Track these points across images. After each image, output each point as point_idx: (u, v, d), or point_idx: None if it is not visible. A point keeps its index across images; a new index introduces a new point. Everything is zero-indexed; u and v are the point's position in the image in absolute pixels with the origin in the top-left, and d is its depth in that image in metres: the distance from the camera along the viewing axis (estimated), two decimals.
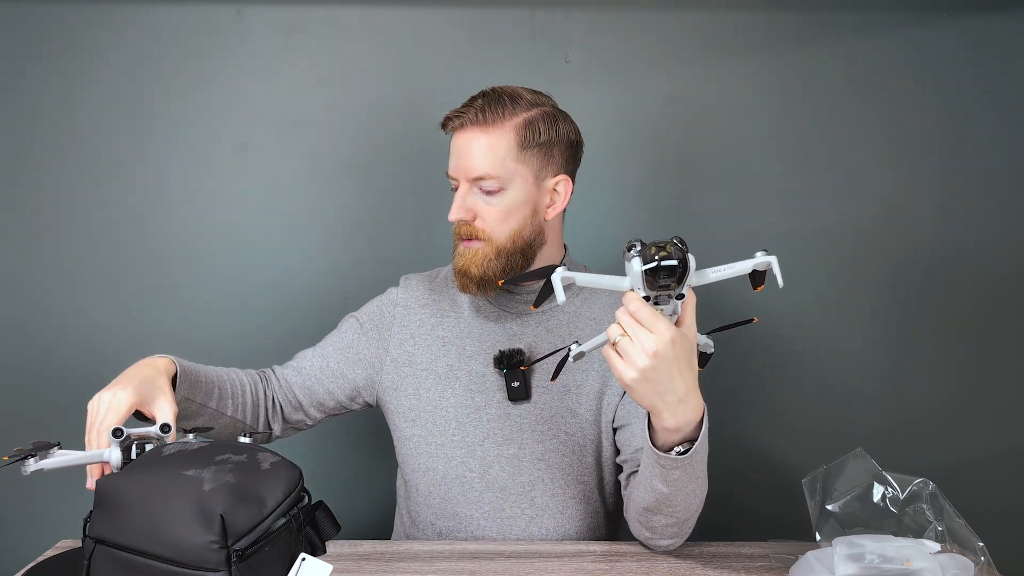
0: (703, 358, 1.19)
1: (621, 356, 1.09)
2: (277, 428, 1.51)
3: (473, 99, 1.41)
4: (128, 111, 1.91)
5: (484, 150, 1.37)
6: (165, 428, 1.14)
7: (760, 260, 1.08)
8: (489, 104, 1.38)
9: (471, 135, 1.38)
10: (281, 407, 1.51)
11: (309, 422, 1.53)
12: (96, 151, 1.92)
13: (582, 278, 1.09)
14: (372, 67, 1.93)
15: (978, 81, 1.92)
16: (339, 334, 1.53)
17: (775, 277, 1.08)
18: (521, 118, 1.39)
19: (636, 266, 1.04)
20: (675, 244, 1.03)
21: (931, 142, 1.93)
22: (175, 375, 1.31)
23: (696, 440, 1.17)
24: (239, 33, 1.91)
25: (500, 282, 1.37)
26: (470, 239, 1.40)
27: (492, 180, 1.37)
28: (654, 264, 1.02)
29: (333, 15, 1.91)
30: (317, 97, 1.93)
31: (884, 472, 1.25)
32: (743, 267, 1.09)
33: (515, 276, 1.33)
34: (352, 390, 1.51)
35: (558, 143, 1.41)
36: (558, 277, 1.08)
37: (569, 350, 1.17)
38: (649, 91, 1.92)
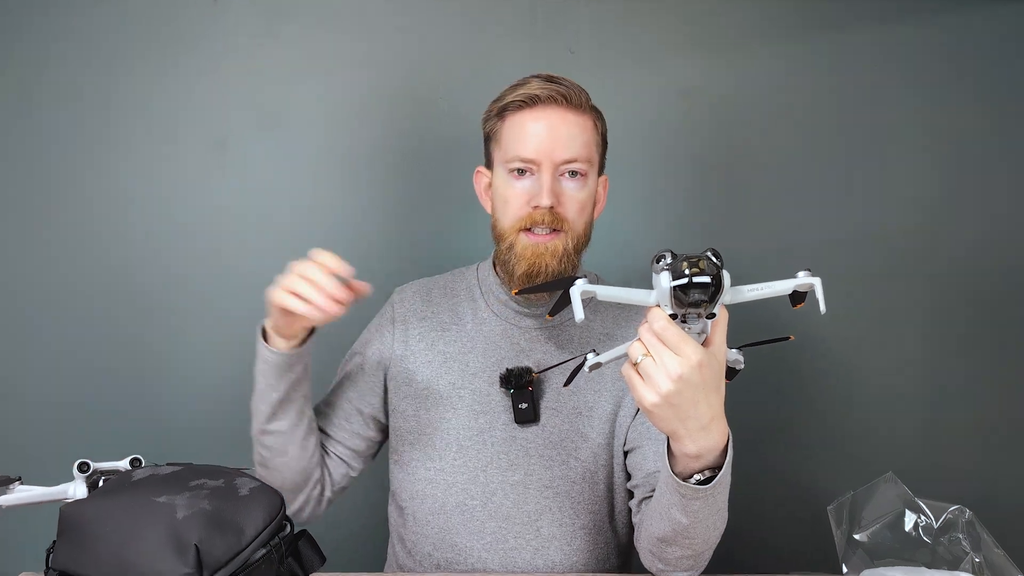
0: (731, 372, 1.17)
1: (642, 378, 1.07)
2: (329, 493, 1.51)
3: (550, 78, 1.42)
4: (90, 105, 1.90)
5: (578, 131, 1.41)
6: (135, 463, 1.15)
7: (802, 281, 1.07)
8: (570, 85, 1.42)
9: (561, 114, 1.41)
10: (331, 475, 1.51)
11: (354, 474, 1.54)
12: (53, 150, 1.90)
13: (604, 291, 1.06)
14: (363, 57, 1.92)
15: None
16: (353, 388, 1.52)
17: (817, 302, 1.07)
18: (591, 105, 1.45)
19: (664, 281, 1.02)
20: (708, 259, 1.01)
21: (977, 139, 1.92)
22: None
23: (719, 467, 1.15)
24: (217, 18, 1.90)
25: (515, 291, 1.34)
26: (553, 230, 1.40)
27: (583, 163, 1.41)
28: (685, 281, 1.00)
29: (321, 0, 1.91)
30: (302, 90, 1.92)
31: (917, 498, 1.26)
32: (783, 287, 1.07)
33: (530, 286, 1.31)
34: (382, 426, 1.54)
35: (605, 141, 1.48)
36: (577, 291, 1.05)
37: (585, 359, 1.15)
38: (662, 85, 1.92)
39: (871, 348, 1.96)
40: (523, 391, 1.43)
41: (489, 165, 1.50)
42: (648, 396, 1.06)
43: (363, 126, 1.93)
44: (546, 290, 1.19)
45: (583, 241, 1.45)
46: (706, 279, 1.00)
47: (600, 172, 1.48)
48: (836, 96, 1.92)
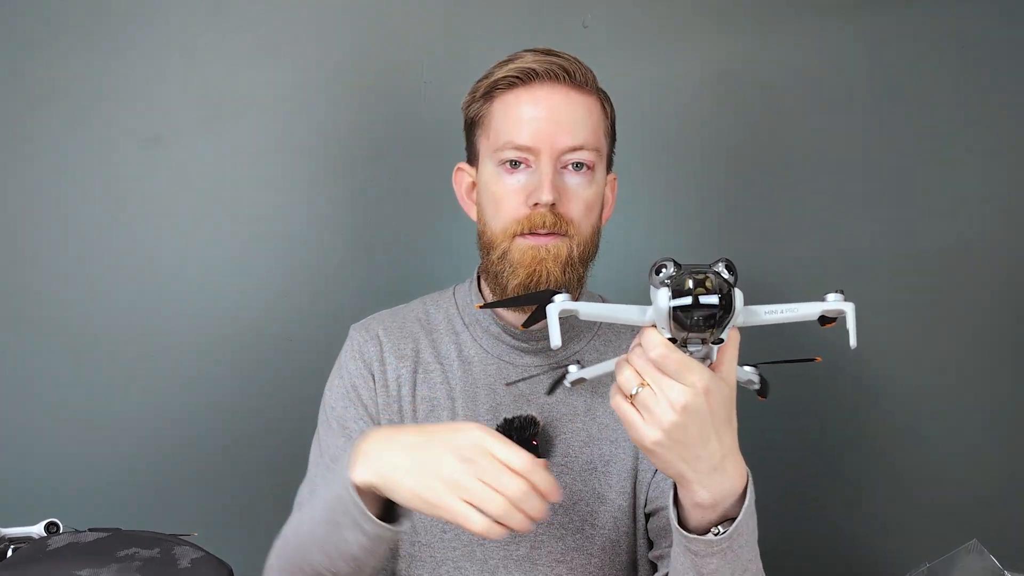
0: (763, 388, 1.16)
1: (640, 412, 1.02)
2: None
3: (548, 51, 1.37)
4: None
5: (583, 113, 1.35)
6: (51, 528, 1.12)
7: (832, 306, 1.03)
8: (572, 60, 1.36)
9: (563, 92, 1.35)
10: None
11: None
12: None
13: (588, 309, 1.02)
14: (327, 33, 1.88)
15: None
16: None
17: (848, 333, 1.03)
18: (598, 86, 1.39)
19: (662, 299, 0.97)
20: (718, 274, 0.97)
21: None
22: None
23: (737, 518, 1.09)
24: None
25: (478, 305, 1.33)
26: (552, 233, 1.34)
27: (591, 153, 1.35)
28: (687, 301, 0.95)
29: None
30: (255, 74, 1.88)
31: (1007, 572, 1.23)
32: (808, 311, 1.03)
33: (497, 301, 1.27)
34: None
35: (614, 131, 1.43)
36: (555, 310, 1.01)
37: (566, 371, 1.12)
38: (692, 66, 1.91)
39: (945, 384, 1.92)
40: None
41: (472, 160, 1.44)
42: (649, 433, 1.01)
43: (328, 117, 1.88)
44: (516, 305, 1.14)
45: (590, 249, 1.38)
46: (713, 300, 0.95)
47: (608, 169, 1.43)
48: (902, 82, 1.91)
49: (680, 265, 0.97)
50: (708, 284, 0.95)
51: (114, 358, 1.89)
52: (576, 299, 1.20)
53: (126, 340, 1.89)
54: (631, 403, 1.03)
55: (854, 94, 1.92)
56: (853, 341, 1.02)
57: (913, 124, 1.92)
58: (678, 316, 0.96)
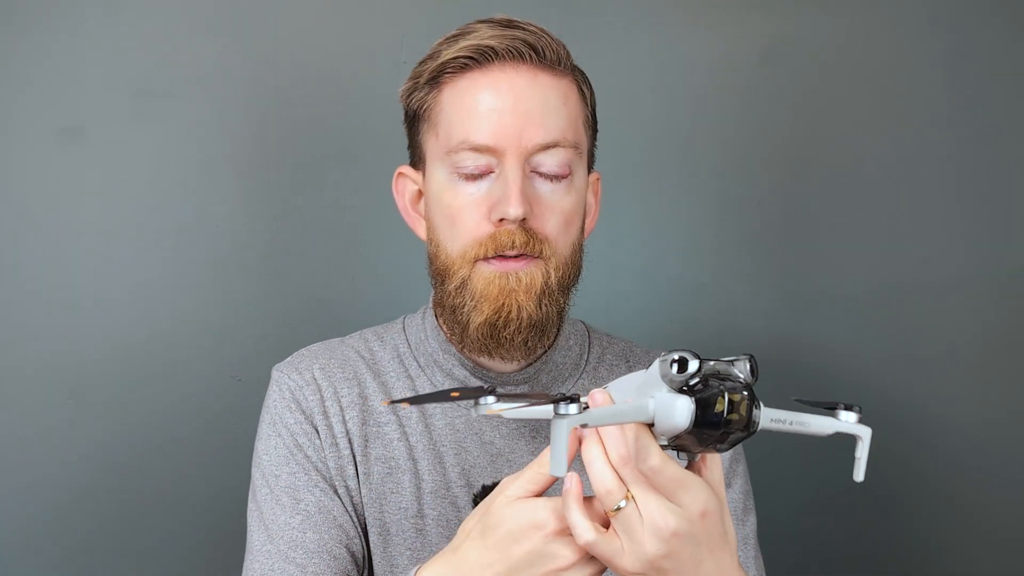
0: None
1: (618, 533, 0.96)
2: None
3: (508, 23, 1.28)
4: None
5: (557, 100, 1.25)
6: None
7: (845, 427, 1.01)
8: (540, 32, 1.26)
9: (530, 75, 1.25)
10: None
11: None
12: None
13: (597, 415, 0.93)
14: (283, 6, 1.85)
15: None
16: (324, 528, 1.32)
17: (856, 462, 1.01)
18: (573, 64, 1.29)
19: (681, 415, 0.91)
20: (750, 392, 0.92)
21: None
22: None
23: None
24: None
25: (385, 401, 1.29)
26: (525, 254, 1.25)
27: (569, 151, 1.25)
28: (717, 423, 0.91)
29: None
30: (197, 53, 1.83)
31: None
32: (819, 427, 1.01)
33: (424, 394, 1.13)
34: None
35: (595, 119, 1.33)
36: (566, 426, 0.92)
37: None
38: (730, 43, 1.87)
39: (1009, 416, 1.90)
40: None
41: (417, 163, 1.35)
42: (628, 563, 0.96)
43: (285, 106, 1.85)
44: (446, 401, 1.02)
45: (571, 271, 1.30)
46: (744, 430, 0.93)
47: (590, 167, 1.34)
48: (994, 66, 1.88)
49: (702, 362, 0.93)
50: (743, 410, 0.92)
51: (16, 402, 1.84)
52: (557, 332, 1.32)
53: (31, 379, 1.85)
54: (610, 517, 0.98)
55: (934, 79, 1.90)
56: (859, 475, 1.01)
57: (1011, 116, 1.89)
58: (695, 434, 0.94)
